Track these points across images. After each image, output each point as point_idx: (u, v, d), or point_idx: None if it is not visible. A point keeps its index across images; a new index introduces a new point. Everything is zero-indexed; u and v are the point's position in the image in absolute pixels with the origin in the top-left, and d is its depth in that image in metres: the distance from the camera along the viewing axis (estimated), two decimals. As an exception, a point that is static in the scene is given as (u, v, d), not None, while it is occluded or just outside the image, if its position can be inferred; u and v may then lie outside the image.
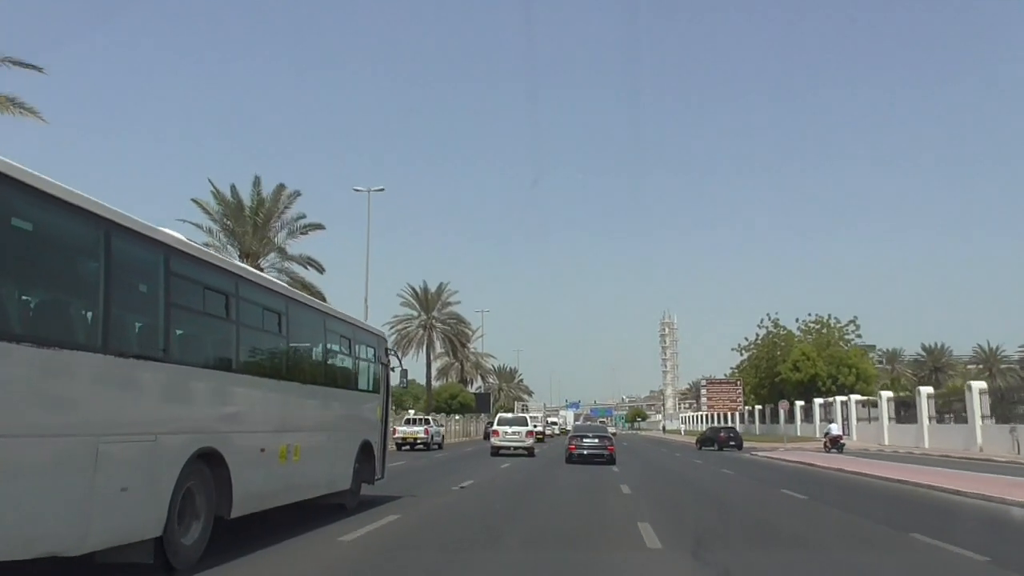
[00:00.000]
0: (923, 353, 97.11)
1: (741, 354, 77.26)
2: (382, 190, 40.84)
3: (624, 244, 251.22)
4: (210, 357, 7.96)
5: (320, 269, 37.64)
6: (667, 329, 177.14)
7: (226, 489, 7.89)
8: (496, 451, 31.28)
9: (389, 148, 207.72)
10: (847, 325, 69.01)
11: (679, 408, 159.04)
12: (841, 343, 67.10)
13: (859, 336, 68.91)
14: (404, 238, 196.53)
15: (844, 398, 55.06)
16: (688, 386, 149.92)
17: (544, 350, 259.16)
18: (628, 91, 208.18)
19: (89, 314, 6.12)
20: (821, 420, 55.32)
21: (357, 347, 12.61)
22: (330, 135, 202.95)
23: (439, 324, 67.23)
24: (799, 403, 61.22)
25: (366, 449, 12.73)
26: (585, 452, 27.23)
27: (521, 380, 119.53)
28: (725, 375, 79.12)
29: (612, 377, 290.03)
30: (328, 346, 11.41)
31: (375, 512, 11.87)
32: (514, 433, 31.72)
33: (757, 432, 71.04)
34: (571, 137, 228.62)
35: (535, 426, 40.66)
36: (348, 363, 12.34)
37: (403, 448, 36.18)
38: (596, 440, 28.03)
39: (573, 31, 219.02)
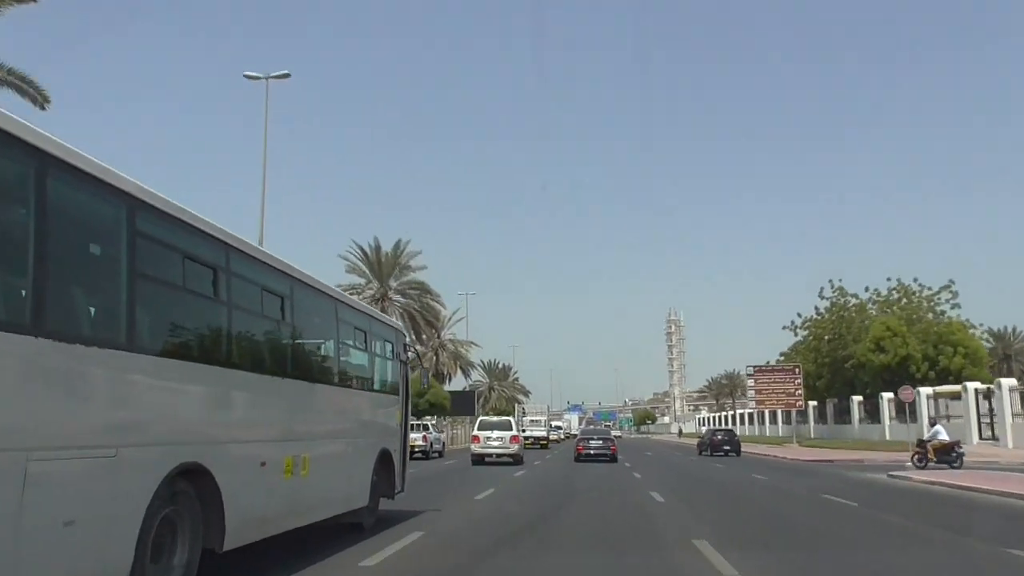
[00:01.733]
0: (989, 339, 78.84)
1: (795, 334, 60.26)
2: (286, 75, 28.87)
3: (628, 240, 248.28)
4: (193, 347, 6.21)
5: (40, 98, 22.89)
6: (673, 327, 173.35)
7: (217, 514, 6.16)
8: (479, 459, 28.62)
9: (383, 123, 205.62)
10: (939, 293, 52.34)
11: (684, 409, 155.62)
12: (930, 315, 51.59)
13: (956, 307, 51.64)
14: (392, 222, 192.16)
15: (981, 385, 37.83)
16: (707, 382, 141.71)
17: (543, 348, 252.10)
18: (639, 74, 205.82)
19: (12, 280, 4.39)
20: (933, 418, 37.22)
21: (373, 341, 10.89)
22: (329, 119, 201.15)
23: (397, 297, 51.64)
24: (887, 395, 44.86)
25: (385, 459, 11.01)
26: (592, 452, 31.23)
27: (517, 379, 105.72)
28: (773, 362, 60.55)
29: (616, 378, 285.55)
30: (341, 338, 9.68)
31: (398, 530, 10.28)
32: (497, 439, 28.95)
33: (812, 435, 55.27)
34: (577, 122, 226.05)
35: (523, 430, 37.70)
36: (364, 359, 10.61)
37: None
38: (600, 442, 32.19)
39: (583, 19, 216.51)
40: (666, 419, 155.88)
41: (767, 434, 67.23)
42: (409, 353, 12.67)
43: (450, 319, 60.90)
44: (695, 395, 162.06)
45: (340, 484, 9.31)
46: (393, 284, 51.66)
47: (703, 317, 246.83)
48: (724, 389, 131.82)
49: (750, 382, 54.27)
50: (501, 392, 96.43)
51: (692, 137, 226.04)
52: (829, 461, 31.40)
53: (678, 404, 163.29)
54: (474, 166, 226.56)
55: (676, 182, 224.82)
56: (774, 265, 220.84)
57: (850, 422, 51.45)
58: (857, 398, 51.05)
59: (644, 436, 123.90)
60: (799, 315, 59.90)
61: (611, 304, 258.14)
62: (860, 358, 48.30)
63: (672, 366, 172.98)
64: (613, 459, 30.86)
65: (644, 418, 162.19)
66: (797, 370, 52.89)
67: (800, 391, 52.18)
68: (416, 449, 33.29)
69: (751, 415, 78.95)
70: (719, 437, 41.03)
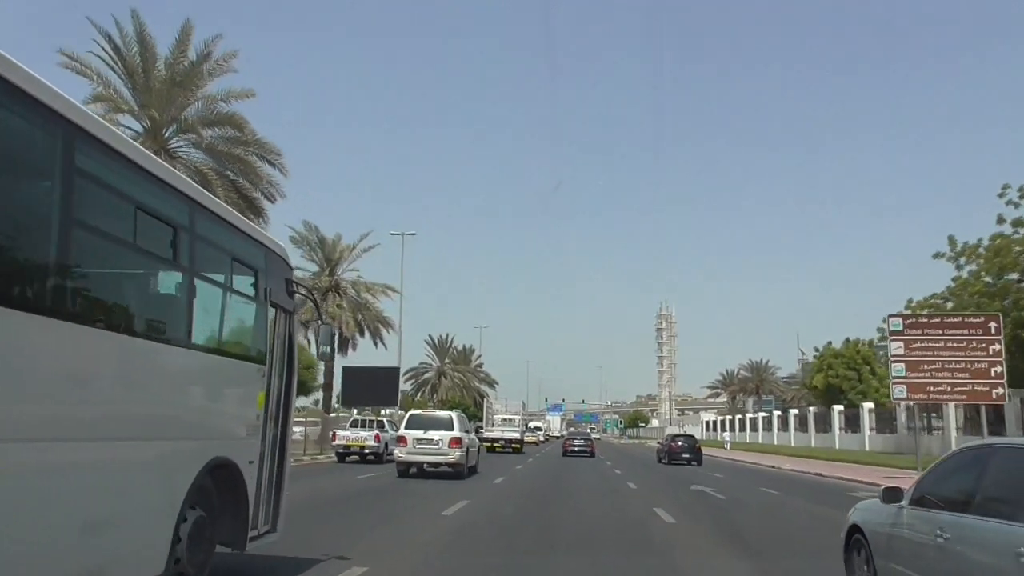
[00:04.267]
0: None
1: (957, 267, 34.58)
2: None
3: (619, 233, 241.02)
4: None
5: None
6: (664, 323, 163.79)
7: None
8: (405, 469, 21.64)
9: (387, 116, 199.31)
10: None
11: (672, 411, 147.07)
12: None
13: None
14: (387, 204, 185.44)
15: None
16: (721, 376, 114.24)
17: (518, 341, 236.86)
18: (642, 70, 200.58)
19: None
20: None
21: (212, 257, 5.84)
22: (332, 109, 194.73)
23: (185, 146, 25.92)
24: None
25: (224, 478, 5.95)
26: (576, 449, 41.87)
27: (481, 365, 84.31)
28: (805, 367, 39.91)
29: (599, 376, 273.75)
30: (115, 232, 4.64)
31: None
32: (432, 441, 21.11)
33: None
34: (580, 118, 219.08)
35: (468, 430, 29.81)
36: (182, 288, 5.45)
37: (348, 459, 27.99)
38: (583, 442, 43.33)
39: (593, 22, 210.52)
40: (655, 422, 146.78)
41: (838, 447, 45.99)
42: (297, 295, 7.57)
43: (354, 248, 41.63)
44: (706, 391, 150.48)
45: (67, 537, 4.27)
46: (179, 116, 25.38)
47: (695, 316, 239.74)
48: (748, 384, 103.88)
49: (895, 347, 27.61)
50: (456, 379, 76.92)
51: (689, 135, 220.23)
52: None
53: (665, 406, 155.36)
54: (445, 147, 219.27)
55: (670, 178, 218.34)
56: (773, 263, 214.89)
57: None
58: None
59: (639, 441, 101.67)
60: (951, 239, 34.49)
61: (594, 300, 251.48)
62: None
63: (662, 365, 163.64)
64: (592, 455, 40.74)
65: (635, 420, 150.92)
66: (994, 327, 27.25)
67: (1000, 367, 27.03)
68: (367, 451, 27.90)
69: (802, 418, 59.14)
70: (679, 444, 37.33)
